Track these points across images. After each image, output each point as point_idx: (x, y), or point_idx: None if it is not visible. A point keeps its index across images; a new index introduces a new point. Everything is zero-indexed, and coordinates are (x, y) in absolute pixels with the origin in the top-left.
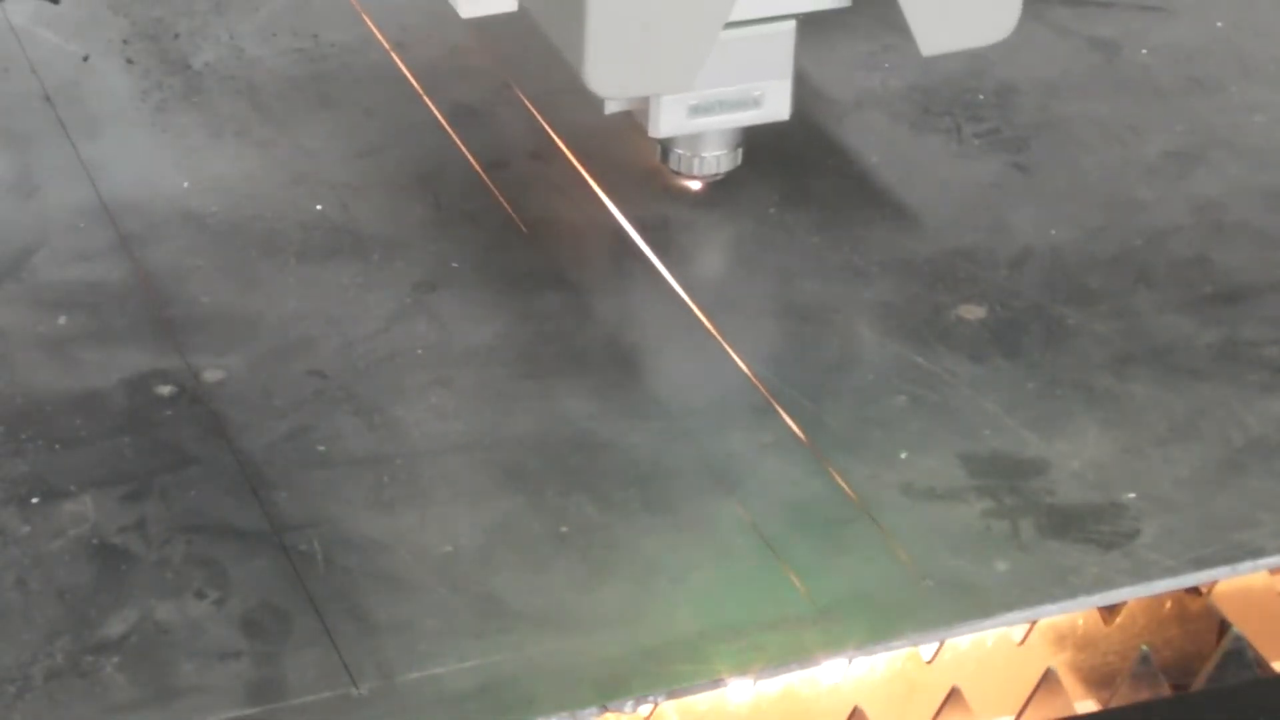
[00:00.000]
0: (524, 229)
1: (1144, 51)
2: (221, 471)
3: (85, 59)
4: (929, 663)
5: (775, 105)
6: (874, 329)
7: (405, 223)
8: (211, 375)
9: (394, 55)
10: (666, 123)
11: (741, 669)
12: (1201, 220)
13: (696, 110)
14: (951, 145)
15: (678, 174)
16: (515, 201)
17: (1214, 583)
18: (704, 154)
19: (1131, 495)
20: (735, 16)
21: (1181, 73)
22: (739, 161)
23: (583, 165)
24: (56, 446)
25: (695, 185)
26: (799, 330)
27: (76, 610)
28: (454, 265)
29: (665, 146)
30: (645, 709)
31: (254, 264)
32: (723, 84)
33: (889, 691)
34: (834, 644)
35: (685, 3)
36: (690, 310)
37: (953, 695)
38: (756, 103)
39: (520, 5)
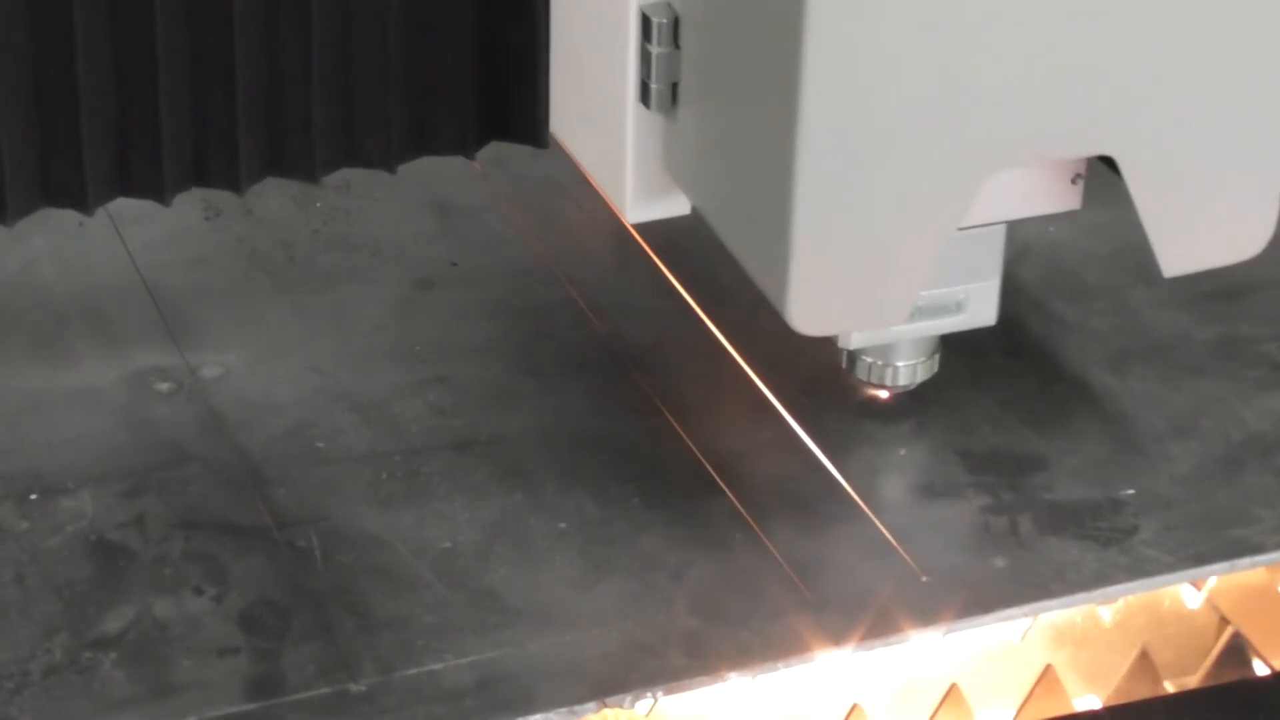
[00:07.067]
0: (518, 223)
1: None
2: (220, 468)
3: None
4: (928, 659)
5: (981, 309)
6: None
7: (405, 220)
8: (210, 371)
9: None
10: (860, 333)
11: (739, 665)
12: None
13: None
14: None
15: (866, 383)
16: (511, 198)
17: (1213, 579)
18: (898, 363)
19: (1130, 492)
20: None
21: None
22: (935, 369)
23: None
24: (55, 443)
25: (883, 394)
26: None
27: (75, 606)
28: (454, 264)
29: (853, 353)
30: (644, 705)
31: (253, 261)
32: (925, 288)
33: (887, 688)
34: (832, 640)
35: (904, 229)
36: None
37: (951, 692)
38: (960, 307)
39: (695, 209)
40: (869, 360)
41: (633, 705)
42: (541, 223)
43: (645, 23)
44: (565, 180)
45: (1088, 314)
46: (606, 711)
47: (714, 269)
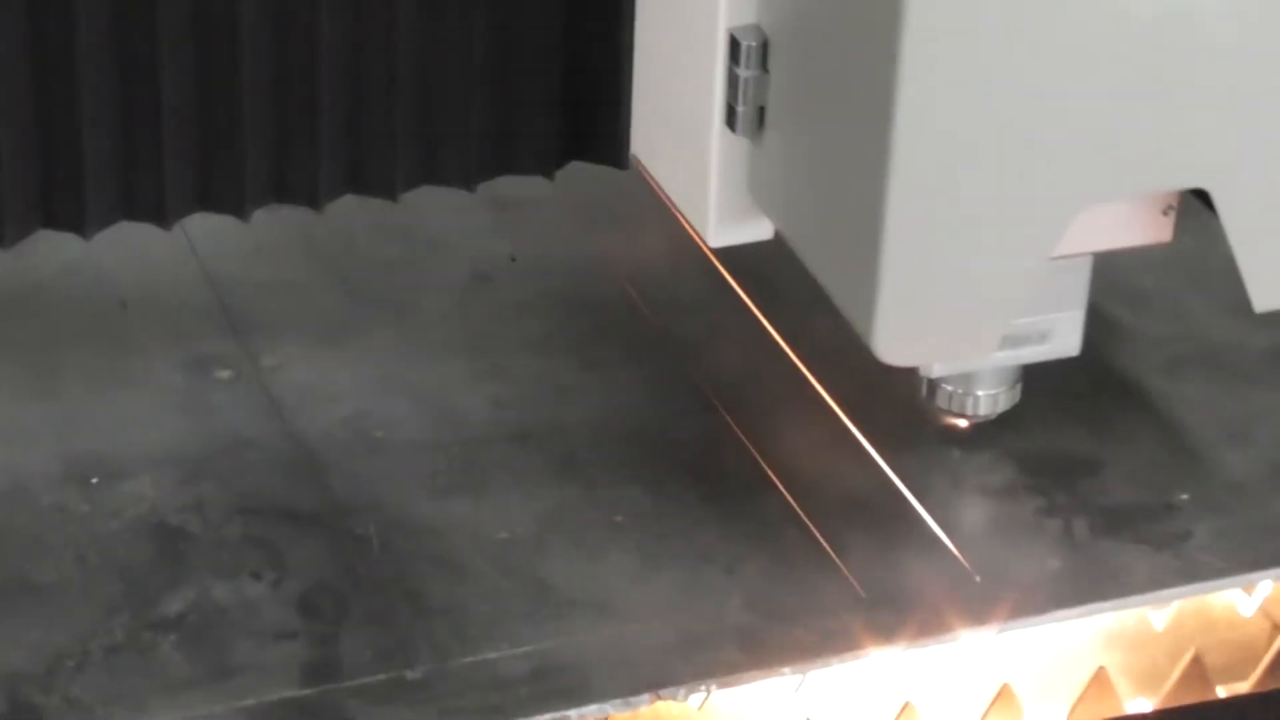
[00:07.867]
0: (576, 218)
1: None
2: (278, 455)
3: None
4: (980, 659)
5: (1064, 339)
6: None
7: (463, 213)
8: (269, 360)
9: None
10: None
11: (792, 661)
12: None
13: None
14: None
15: (945, 411)
16: (568, 193)
17: (1266, 586)
18: (979, 392)
19: (1184, 496)
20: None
21: None
22: (1018, 399)
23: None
24: (115, 428)
25: (962, 423)
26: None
27: (135, 588)
28: (512, 258)
29: (933, 381)
30: (696, 698)
31: (312, 250)
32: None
33: (939, 687)
34: (885, 638)
35: (994, 260)
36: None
37: (1003, 692)
38: (1044, 337)
39: (778, 233)
40: (949, 389)
41: (686, 698)
42: (598, 218)
43: (733, 45)
44: (622, 176)
45: (1142, 319)
46: (660, 704)
47: (769, 266)
